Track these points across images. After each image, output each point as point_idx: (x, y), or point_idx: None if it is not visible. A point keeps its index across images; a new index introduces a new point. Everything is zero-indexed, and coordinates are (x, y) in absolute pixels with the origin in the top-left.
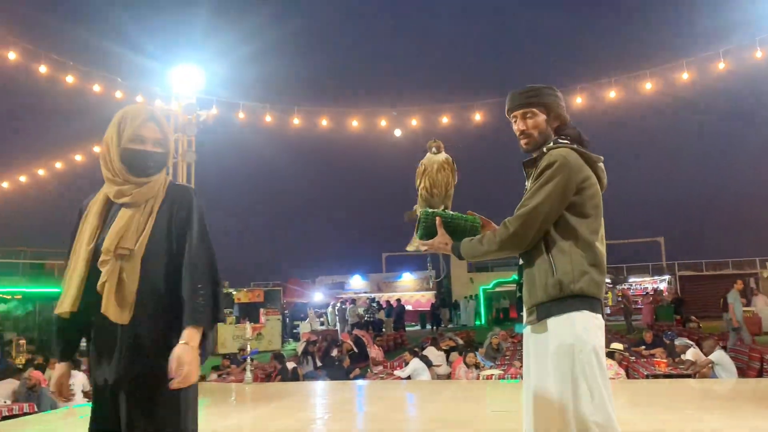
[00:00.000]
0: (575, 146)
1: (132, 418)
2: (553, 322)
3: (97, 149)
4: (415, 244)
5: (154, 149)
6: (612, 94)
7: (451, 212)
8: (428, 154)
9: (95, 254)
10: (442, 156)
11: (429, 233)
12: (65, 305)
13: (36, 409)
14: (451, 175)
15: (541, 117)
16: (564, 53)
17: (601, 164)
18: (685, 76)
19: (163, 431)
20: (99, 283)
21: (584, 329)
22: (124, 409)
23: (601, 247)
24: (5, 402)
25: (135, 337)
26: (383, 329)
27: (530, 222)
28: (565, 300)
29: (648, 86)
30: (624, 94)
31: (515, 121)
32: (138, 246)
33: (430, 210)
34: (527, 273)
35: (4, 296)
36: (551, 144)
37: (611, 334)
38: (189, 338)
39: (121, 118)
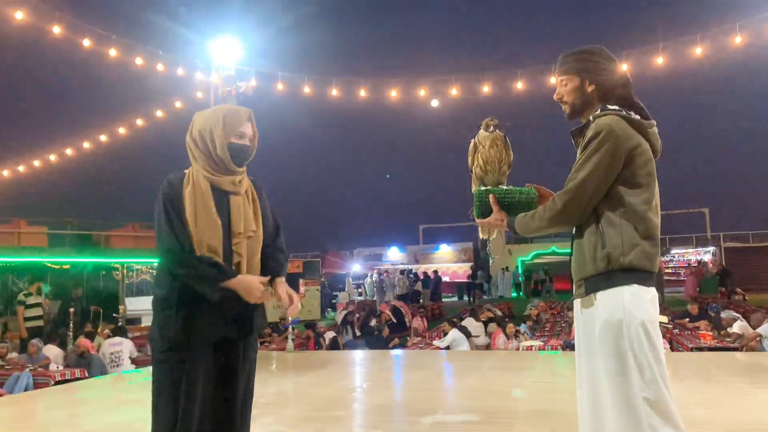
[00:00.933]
0: (623, 113)
1: (249, 362)
2: (601, 296)
3: (140, 122)
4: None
5: (250, 144)
6: (660, 60)
7: (505, 187)
8: (480, 131)
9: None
10: (495, 132)
11: (483, 212)
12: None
13: (87, 375)
14: (504, 151)
15: (575, 83)
16: (611, 17)
17: (654, 129)
18: (738, 39)
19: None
20: (234, 261)
21: (633, 303)
22: (243, 357)
23: (655, 217)
24: (58, 367)
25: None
26: (420, 300)
27: (578, 196)
28: (614, 273)
29: (698, 51)
30: (672, 60)
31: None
32: (258, 228)
33: (483, 188)
34: (577, 245)
35: (53, 266)
36: (598, 111)
37: None
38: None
39: (225, 114)
